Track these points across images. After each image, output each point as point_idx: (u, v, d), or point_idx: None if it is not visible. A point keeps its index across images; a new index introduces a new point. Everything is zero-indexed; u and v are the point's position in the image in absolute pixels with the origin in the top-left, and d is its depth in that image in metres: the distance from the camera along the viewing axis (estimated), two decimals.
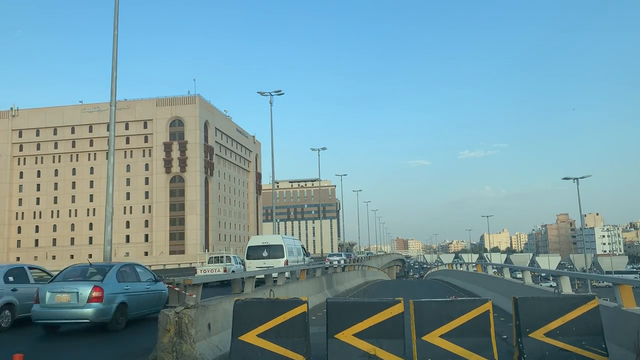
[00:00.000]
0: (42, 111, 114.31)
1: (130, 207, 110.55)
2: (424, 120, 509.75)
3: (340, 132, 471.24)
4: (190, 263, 64.77)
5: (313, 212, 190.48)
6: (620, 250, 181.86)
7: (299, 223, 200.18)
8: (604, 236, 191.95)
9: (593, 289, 60.36)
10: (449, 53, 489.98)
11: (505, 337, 10.05)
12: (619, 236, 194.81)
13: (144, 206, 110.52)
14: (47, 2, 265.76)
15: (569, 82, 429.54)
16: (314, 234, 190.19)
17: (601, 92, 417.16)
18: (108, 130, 19.97)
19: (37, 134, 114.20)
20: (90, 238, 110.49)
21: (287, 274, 17.45)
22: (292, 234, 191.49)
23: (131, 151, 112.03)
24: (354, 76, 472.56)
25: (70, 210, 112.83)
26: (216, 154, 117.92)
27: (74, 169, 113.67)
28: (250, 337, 7.84)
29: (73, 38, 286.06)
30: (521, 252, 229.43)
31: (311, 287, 18.92)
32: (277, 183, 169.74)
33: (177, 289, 8.87)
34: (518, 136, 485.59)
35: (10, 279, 13.11)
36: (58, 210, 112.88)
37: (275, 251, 26.55)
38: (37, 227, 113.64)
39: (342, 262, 37.55)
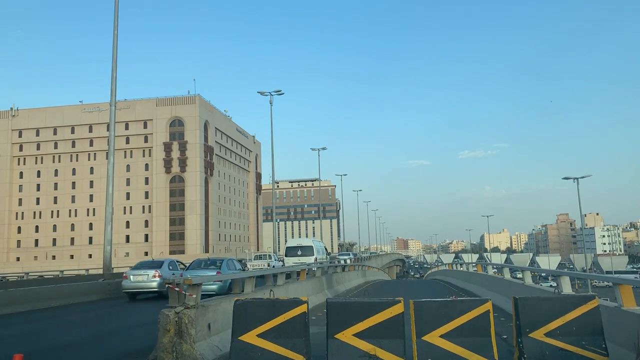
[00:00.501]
0: (42, 111, 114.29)
1: (130, 207, 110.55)
2: (424, 121, 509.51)
3: (340, 132, 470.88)
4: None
5: (313, 212, 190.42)
6: (620, 250, 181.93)
7: (299, 223, 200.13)
8: (604, 236, 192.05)
9: (593, 289, 60.39)
10: (448, 54, 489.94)
11: (505, 337, 10.05)
12: (619, 236, 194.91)
13: (144, 206, 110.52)
14: (47, 2, 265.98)
15: (568, 83, 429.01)
16: (314, 234, 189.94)
17: (601, 92, 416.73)
18: (108, 130, 19.98)
19: (37, 134, 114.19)
20: (90, 238, 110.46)
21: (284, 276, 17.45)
22: (292, 234, 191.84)
23: (131, 151, 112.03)
24: (354, 76, 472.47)
25: (70, 210, 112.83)
26: (216, 154, 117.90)
27: (74, 169, 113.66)
28: (250, 337, 7.84)
29: (73, 38, 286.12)
30: (521, 252, 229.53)
31: (311, 287, 18.91)
32: (277, 183, 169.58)
33: (177, 289, 8.86)
34: (518, 136, 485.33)
35: (170, 267, 21.27)
36: (58, 210, 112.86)
37: (307, 251, 33.21)
38: (37, 227, 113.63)
39: (349, 260, 41.53)
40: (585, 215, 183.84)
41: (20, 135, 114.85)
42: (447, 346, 7.56)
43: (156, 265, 21.07)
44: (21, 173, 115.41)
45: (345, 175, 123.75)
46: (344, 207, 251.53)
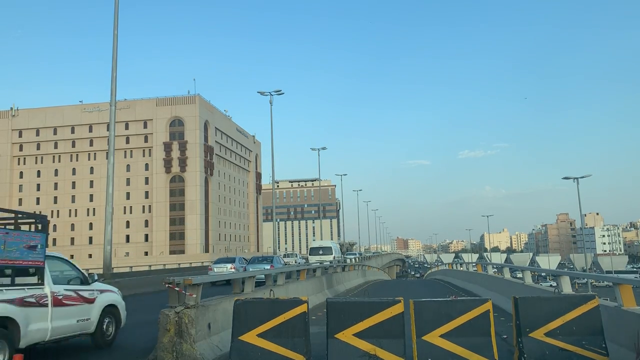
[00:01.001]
0: (42, 111, 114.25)
1: (130, 207, 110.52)
2: (424, 120, 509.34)
3: (340, 132, 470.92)
4: (190, 263, 64.80)
5: (313, 211, 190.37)
6: (620, 250, 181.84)
7: (299, 223, 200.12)
8: (604, 236, 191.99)
9: (593, 289, 60.33)
10: (448, 53, 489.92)
11: (505, 336, 10.05)
12: (619, 236, 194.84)
13: (144, 206, 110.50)
14: (47, 2, 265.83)
15: (568, 82, 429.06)
16: (313, 233, 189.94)
17: (601, 91, 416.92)
18: (108, 130, 19.97)
19: (37, 134, 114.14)
20: (90, 238, 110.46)
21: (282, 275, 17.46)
22: (292, 234, 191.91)
23: (131, 151, 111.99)
24: (354, 76, 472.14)
25: (70, 210, 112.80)
26: (216, 154, 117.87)
27: (74, 169, 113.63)
28: (251, 337, 7.84)
29: (73, 38, 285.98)
30: (521, 251, 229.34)
31: (311, 287, 18.91)
32: (277, 183, 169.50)
33: (177, 288, 8.85)
34: (518, 136, 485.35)
35: (240, 262, 29.12)
36: (58, 210, 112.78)
37: (327, 250, 38.62)
38: None
39: (354, 260, 44.49)
40: (585, 215, 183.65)
41: (20, 135, 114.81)
42: (447, 346, 7.56)
43: (231, 260, 30.10)
44: (21, 173, 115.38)
45: (345, 175, 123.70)
46: (344, 207, 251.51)
